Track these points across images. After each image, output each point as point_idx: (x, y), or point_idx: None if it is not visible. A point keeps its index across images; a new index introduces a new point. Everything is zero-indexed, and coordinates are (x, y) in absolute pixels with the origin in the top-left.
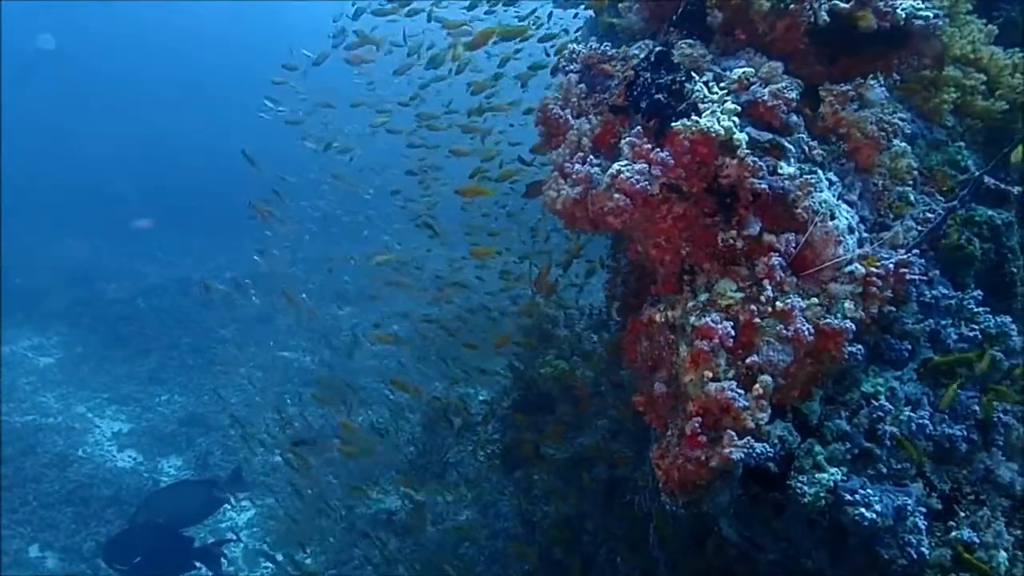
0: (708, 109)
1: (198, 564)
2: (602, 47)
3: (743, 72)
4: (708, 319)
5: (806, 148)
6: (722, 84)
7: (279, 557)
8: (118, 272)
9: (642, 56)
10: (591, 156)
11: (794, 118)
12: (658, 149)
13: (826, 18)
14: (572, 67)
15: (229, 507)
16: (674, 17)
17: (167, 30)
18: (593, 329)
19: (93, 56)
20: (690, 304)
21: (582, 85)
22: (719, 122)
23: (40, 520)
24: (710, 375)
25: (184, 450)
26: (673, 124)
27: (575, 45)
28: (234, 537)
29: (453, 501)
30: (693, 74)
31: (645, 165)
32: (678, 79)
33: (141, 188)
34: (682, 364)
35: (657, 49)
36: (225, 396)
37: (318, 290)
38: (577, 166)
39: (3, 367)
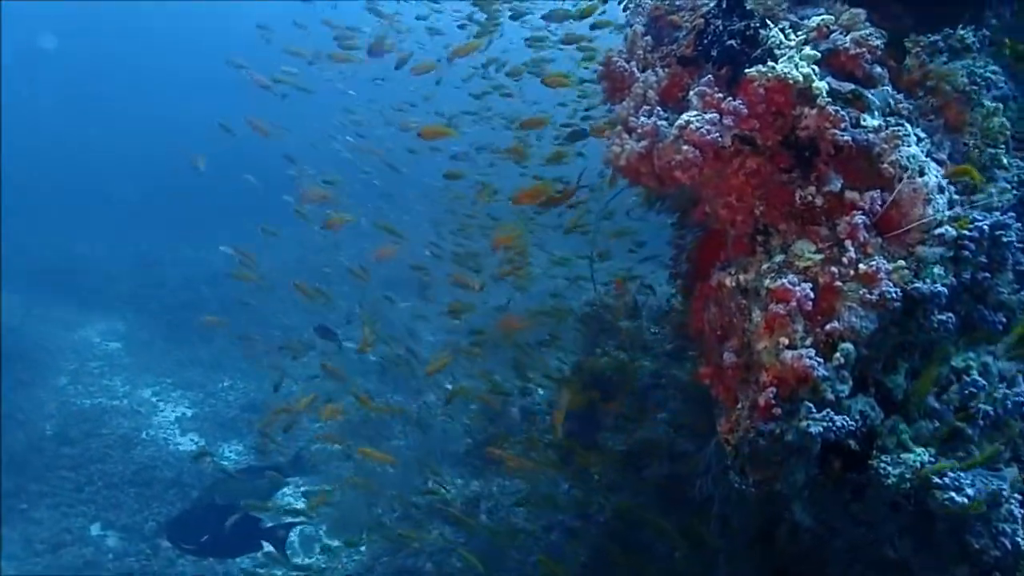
0: (785, 55)
1: (264, 543)
2: None
3: (823, 19)
4: (785, 281)
5: (891, 101)
6: (800, 32)
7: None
8: (176, 260)
9: (713, 4)
10: (658, 109)
11: (878, 69)
12: (730, 98)
13: None
14: (638, 20)
15: (288, 492)
16: None
17: (168, 30)
18: (654, 321)
19: (93, 56)
20: (764, 266)
21: (648, 37)
22: (797, 68)
23: (103, 499)
24: (786, 342)
25: (245, 435)
26: (747, 71)
27: None
28: (298, 520)
29: (508, 492)
30: (768, 21)
31: (716, 115)
32: (752, 25)
33: (142, 187)
34: (755, 331)
35: None
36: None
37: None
38: (643, 119)
39: (71, 351)
